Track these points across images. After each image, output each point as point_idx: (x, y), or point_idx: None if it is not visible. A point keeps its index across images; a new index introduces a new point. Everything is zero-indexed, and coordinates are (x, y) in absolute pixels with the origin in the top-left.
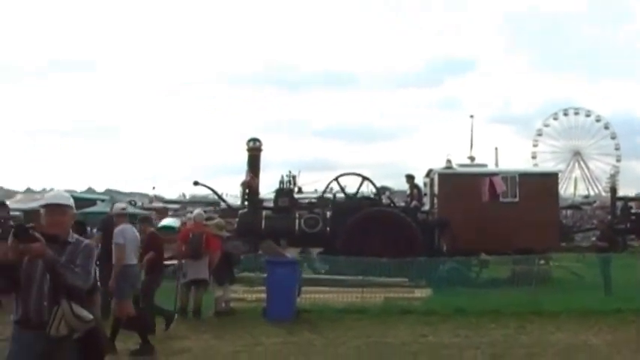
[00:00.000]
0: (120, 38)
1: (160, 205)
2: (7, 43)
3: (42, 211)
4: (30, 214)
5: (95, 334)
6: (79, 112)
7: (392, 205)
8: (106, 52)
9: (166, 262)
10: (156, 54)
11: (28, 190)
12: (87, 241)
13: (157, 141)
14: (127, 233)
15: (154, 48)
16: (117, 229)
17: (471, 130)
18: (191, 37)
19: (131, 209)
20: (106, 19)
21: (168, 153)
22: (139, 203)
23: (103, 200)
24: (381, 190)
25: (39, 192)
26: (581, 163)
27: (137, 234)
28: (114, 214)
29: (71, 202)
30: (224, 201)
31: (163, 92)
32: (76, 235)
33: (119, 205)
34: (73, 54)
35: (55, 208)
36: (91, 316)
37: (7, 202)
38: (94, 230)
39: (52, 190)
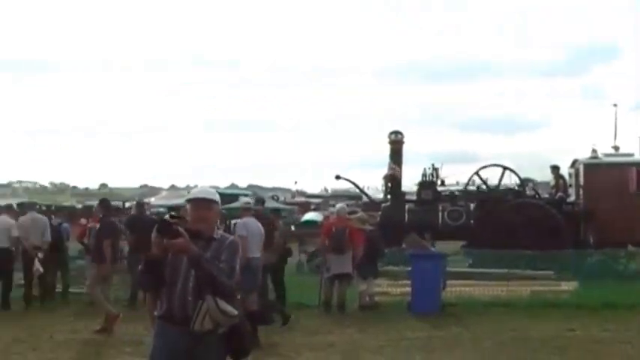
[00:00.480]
0: (265, 35)
1: (302, 199)
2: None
3: (187, 206)
4: (174, 210)
5: (239, 329)
6: (222, 108)
7: (536, 196)
8: (249, 49)
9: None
10: (311, 49)
11: (173, 187)
12: (232, 237)
13: (300, 136)
14: (250, 226)
15: (303, 44)
16: (240, 222)
17: (615, 119)
18: (343, 31)
19: (274, 204)
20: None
21: (310, 147)
22: (282, 198)
23: (245, 195)
24: (524, 182)
25: (183, 189)
26: None
27: (261, 228)
28: (240, 208)
29: (217, 197)
30: (366, 194)
31: (307, 86)
32: (220, 232)
33: (244, 199)
34: (217, 52)
35: (200, 203)
36: (235, 312)
37: (153, 200)
38: None
39: (195, 186)
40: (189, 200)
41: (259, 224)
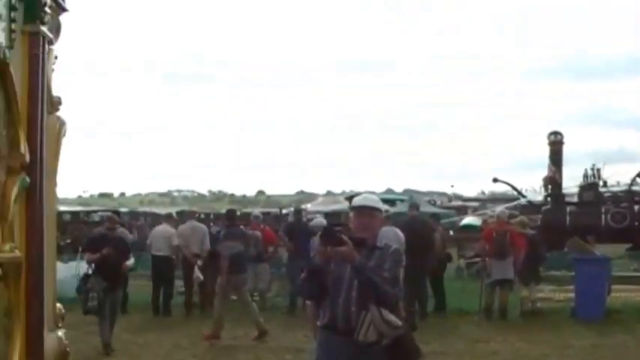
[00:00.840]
0: (418, 38)
1: (459, 203)
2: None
3: (351, 214)
4: (331, 216)
5: (404, 340)
6: (387, 111)
7: None
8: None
9: (470, 261)
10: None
11: (329, 193)
12: (395, 245)
13: (454, 140)
14: (388, 236)
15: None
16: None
17: None
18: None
19: (432, 208)
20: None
21: (466, 150)
22: (438, 202)
23: (402, 200)
24: None
25: (339, 194)
26: None
27: (401, 236)
28: None
29: (380, 205)
30: (524, 197)
31: (446, 86)
32: (385, 240)
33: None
34: (368, 54)
35: (363, 211)
36: (400, 322)
37: (309, 206)
38: None
39: (351, 192)
40: (352, 208)
41: (398, 232)
